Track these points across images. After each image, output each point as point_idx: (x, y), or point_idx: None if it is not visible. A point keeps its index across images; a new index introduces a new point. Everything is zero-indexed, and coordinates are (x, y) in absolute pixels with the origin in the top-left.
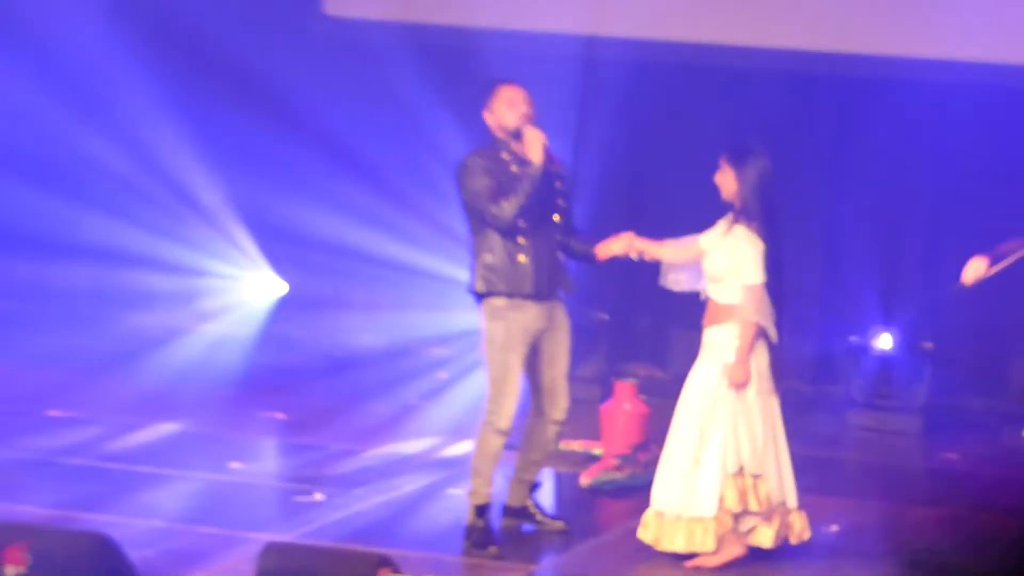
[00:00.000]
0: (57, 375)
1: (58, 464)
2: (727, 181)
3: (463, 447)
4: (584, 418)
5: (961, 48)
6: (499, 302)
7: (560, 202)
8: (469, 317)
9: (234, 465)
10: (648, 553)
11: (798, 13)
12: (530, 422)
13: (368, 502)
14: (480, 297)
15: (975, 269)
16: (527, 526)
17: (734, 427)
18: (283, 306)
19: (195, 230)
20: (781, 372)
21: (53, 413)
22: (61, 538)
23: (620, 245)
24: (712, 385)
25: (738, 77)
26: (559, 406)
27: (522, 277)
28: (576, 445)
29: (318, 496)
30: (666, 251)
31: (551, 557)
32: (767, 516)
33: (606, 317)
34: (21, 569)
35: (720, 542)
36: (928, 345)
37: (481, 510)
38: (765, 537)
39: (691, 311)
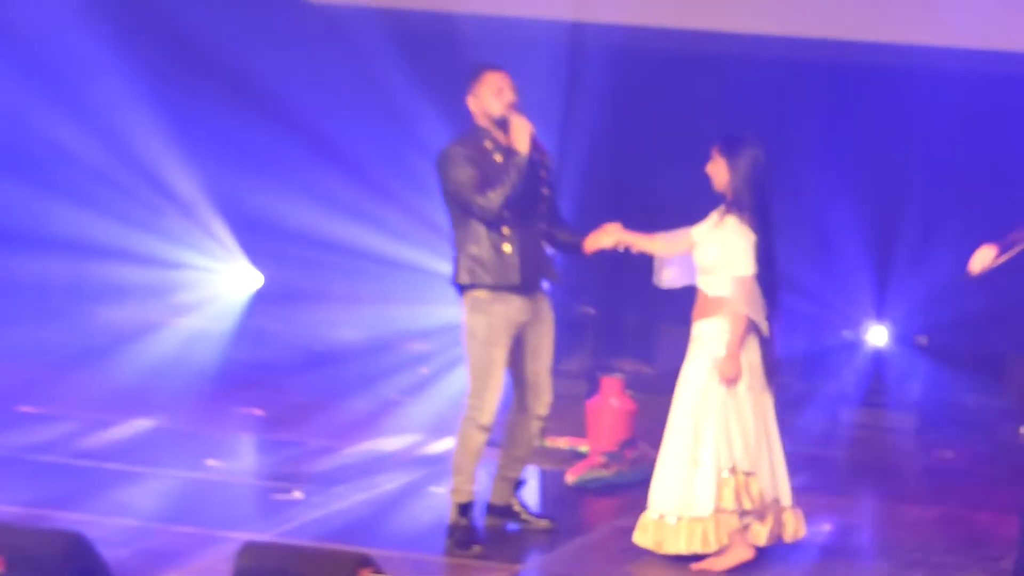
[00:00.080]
0: (28, 370)
1: (30, 461)
2: (719, 171)
3: (445, 444)
4: (570, 414)
5: (955, 35)
6: (481, 294)
7: (545, 191)
8: (451, 311)
9: (210, 462)
10: (635, 552)
11: None
12: (513, 418)
13: (348, 500)
14: (462, 289)
15: (983, 258)
16: (512, 525)
17: (725, 424)
18: (260, 299)
19: (170, 221)
20: (773, 368)
21: (24, 409)
22: (33, 537)
23: (609, 238)
24: (703, 381)
25: (727, 64)
26: (542, 401)
27: (508, 268)
28: (562, 442)
29: (297, 494)
30: (658, 244)
31: (536, 557)
32: (761, 514)
33: (592, 310)
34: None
35: (730, 542)
36: (922, 340)
37: (464, 508)
38: (759, 535)
39: (679, 304)
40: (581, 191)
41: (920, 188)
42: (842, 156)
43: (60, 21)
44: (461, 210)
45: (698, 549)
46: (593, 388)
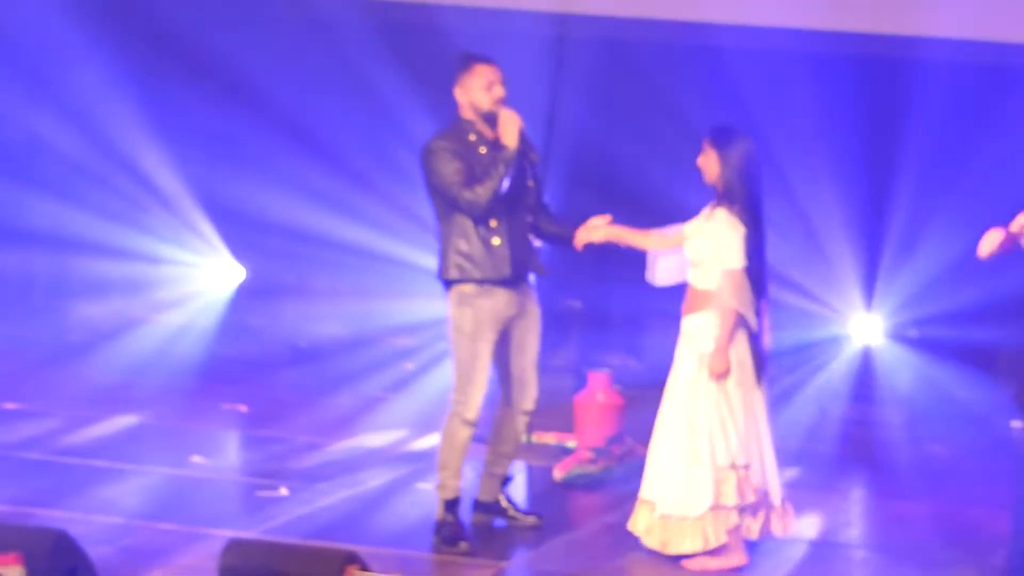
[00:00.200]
0: (10, 366)
1: (12, 458)
2: (710, 164)
3: (431, 440)
4: (557, 410)
5: (945, 25)
6: (467, 288)
7: (531, 183)
8: (436, 305)
9: (195, 459)
10: (624, 548)
11: None
12: (499, 413)
13: (334, 497)
14: (448, 284)
15: (991, 241)
16: (499, 521)
17: (720, 419)
18: (243, 294)
19: (151, 215)
20: (763, 363)
21: (7, 406)
22: (16, 535)
23: (600, 234)
24: (693, 376)
25: (715, 56)
26: (528, 396)
27: (499, 261)
28: (549, 438)
29: (282, 491)
30: (651, 240)
31: (524, 553)
32: (752, 509)
33: (579, 304)
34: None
35: (728, 543)
36: (913, 333)
37: (450, 505)
38: (751, 530)
39: (667, 298)
40: (567, 183)
41: (910, 181)
42: (831, 148)
43: (39, 14)
44: (447, 204)
45: (699, 548)
46: (580, 383)
